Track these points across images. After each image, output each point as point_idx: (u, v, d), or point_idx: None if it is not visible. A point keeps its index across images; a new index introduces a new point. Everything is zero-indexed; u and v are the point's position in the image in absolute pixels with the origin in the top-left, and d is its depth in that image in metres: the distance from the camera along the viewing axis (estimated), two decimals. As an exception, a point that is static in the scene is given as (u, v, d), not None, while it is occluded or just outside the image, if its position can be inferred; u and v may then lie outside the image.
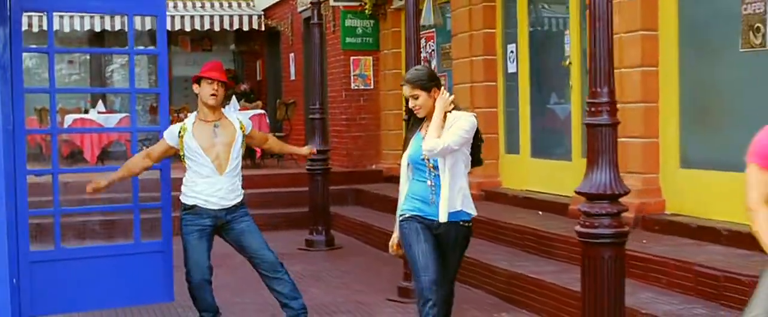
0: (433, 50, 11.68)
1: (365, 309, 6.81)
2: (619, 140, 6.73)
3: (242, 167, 5.93)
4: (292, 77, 15.78)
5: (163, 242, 5.76)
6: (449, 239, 4.74)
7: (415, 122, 4.85)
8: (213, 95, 5.67)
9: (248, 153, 13.73)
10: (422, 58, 11.63)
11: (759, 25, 6.20)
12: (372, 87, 13.17)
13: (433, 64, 11.63)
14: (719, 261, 5.69)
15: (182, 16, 16.71)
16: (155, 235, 5.82)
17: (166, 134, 5.83)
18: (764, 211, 3.54)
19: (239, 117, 6.01)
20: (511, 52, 9.63)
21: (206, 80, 5.69)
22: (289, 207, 11.66)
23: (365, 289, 7.55)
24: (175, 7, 17.35)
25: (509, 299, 6.80)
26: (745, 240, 5.97)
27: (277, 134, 14.63)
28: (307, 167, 10.04)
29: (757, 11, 6.21)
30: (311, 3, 9.86)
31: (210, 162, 5.61)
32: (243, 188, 5.88)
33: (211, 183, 5.59)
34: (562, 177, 8.41)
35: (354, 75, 13.08)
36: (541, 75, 9.29)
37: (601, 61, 4.57)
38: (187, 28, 16.81)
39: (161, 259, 5.71)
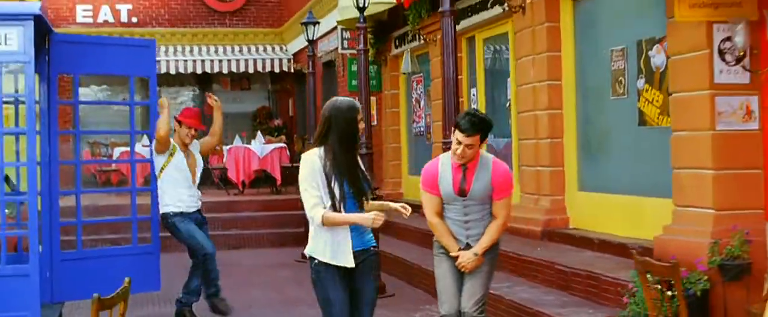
0: (421, 92, 13.48)
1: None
2: (535, 168, 8.63)
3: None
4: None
5: (153, 245, 7.70)
6: (364, 267, 4.71)
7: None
8: (191, 136, 7.60)
9: (272, 182, 15.71)
10: (413, 99, 13.52)
11: (621, 78, 7.91)
12: (375, 123, 15.00)
13: (422, 104, 13.43)
14: (577, 261, 7.37)
15: (220, 61, 18.82)
16: (147, 241, 7.75)
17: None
18: (438, 220, 5.27)
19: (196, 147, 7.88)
20: (473, 94, 11.41)
21: (186, 125, 7.60)
22: (299, 227, 13.49)
23: (331, 289, 9.35)
24: (216, 51, 19.50)
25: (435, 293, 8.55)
26: (610, 246, 7.68)
27: (295, 164, 16.59)
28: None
29: (620, 67, 7.93)
30: (308, 56, 11.80)
31: (189, 177, 7.56)
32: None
33: (190, 193, 7.53)
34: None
35: (360, 113, 14.93)
36: (494, 115, 11.01)
37: (448, 114, 6.33)
38: (225, 71, 18.90)
39: (152, 258, 7.63)
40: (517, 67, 9.58)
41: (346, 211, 4.58)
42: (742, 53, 6.23)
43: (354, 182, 4.61)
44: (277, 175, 15.47)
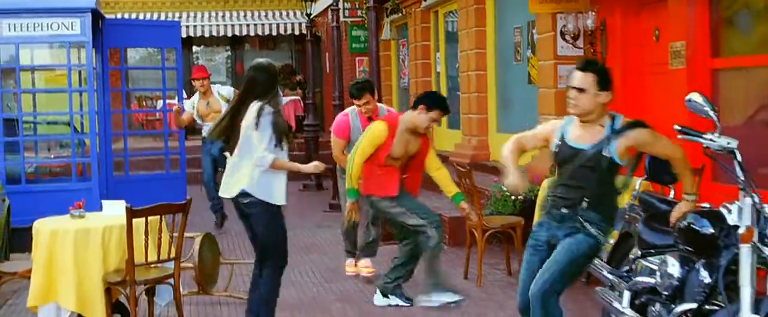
0: (405, 54, 16.29)
1: (306, 214, 11.64)
2: (468, 116, 11.42)
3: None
4: (327, 71, 20.65)
5: (181, 172, 10.74)
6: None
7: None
8: (204, 85, 10.49)
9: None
10: (400, 59, 16.33)
11: (519, 48, 10.72)
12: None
13: (406, 63, 16.27)
14: (479, 183, 10.23)
15: (248, 25, 21.79)
16: (176, 169, 10.79)
17: (186, 106, 10.66)
18: (344, 157, 8.04)
19: (222, 92, 10.77)
20: (438, 57, 14.24)
21: (194, 78, 10.51)
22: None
23: (317, 209, 12.33)
24: (244, 16, 22.44)
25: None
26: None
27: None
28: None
29: (518, 41, 10.72)
30: (306, 25, 14.67)
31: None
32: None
33: (209, 128, 10.47)
34: (455, 141, 12.98)
35: (359, 71, 17.82)
36: (450, 75, 13.87)
37: (337, 77, 9.20)
38: (252, 34, 21.88)
39: (180, 182, 10.68)
40: (460, 37, 12.40)
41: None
42: (573, 35, 9.00)
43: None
44: (293, 123, 18.48)
